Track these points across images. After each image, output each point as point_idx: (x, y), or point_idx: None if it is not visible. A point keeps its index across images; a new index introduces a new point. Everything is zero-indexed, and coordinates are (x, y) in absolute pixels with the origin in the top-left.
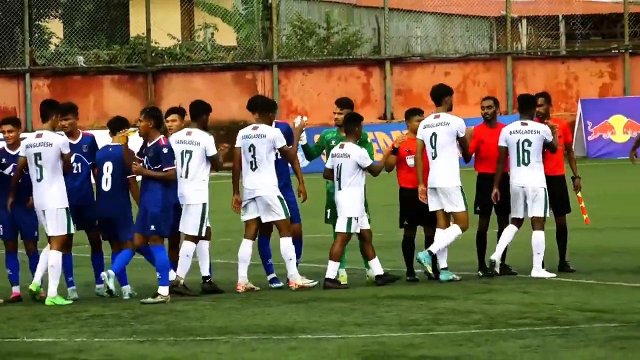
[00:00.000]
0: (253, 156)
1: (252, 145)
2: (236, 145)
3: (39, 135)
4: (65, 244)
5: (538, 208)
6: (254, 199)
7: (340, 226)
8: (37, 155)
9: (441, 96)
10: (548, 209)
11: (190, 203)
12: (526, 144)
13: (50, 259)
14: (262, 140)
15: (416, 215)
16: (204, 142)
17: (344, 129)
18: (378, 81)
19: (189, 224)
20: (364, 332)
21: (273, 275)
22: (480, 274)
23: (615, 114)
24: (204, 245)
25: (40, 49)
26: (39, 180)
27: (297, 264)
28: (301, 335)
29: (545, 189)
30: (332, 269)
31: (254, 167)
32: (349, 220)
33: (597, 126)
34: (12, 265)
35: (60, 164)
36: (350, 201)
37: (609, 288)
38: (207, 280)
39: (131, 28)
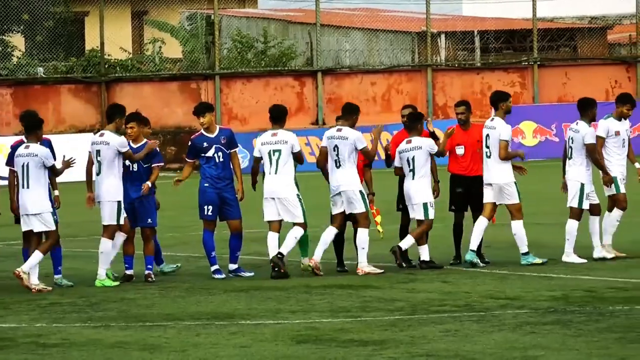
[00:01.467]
0: (337, 155)
1: (336, 146)
2: (322, 145)
3: (101, 135)
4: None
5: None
6: (339, 193)
7: (419, 214)
8: (98, 152)
9: (498, 101)
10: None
11: (285, 197)
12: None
13: (101, 246)
14: (344, 141)
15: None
16: (291, 140)
17: (408, 126)
18: (311, 90)
19: (295, 214)
20: (298, 318)
21: (216, 266)
22: (402, 265)
23: (525, 120)
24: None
25: (4, 61)
26: (97, 174)
27: (237, 256)
28: (241, 321)
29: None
30: (425, 252)
31: (338, 165)
32: (425, 205)
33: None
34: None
35: (117, 161)
36: (426, 188)
37: (519, 278)
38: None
39: (86, 42)
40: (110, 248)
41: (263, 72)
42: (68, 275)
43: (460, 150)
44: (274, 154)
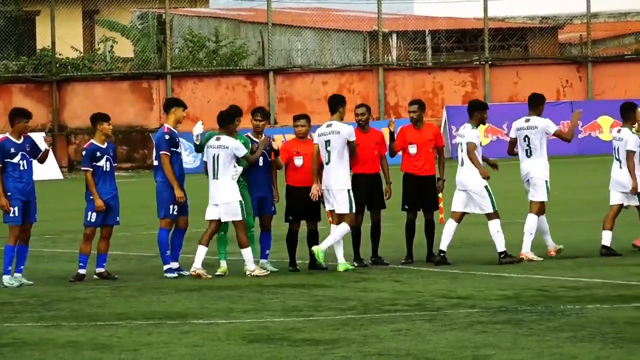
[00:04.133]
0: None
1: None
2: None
3: (329, 125)
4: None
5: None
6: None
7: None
8: (327, 142)
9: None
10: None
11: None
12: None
13: (337, 231)
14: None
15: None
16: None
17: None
18: (262, 90)
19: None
20: (250, 317)
21: (169, 266)
22: (355, 264)
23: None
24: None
25: None
26: (327, 164)
27: (178, 255)
28: (193, 320)
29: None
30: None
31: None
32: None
33: None
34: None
35: (345, 151)
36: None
37: (471, 277)
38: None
39: (37, 41)
40: (344, 233)
41: (215, 72)
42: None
43: (412, 150)
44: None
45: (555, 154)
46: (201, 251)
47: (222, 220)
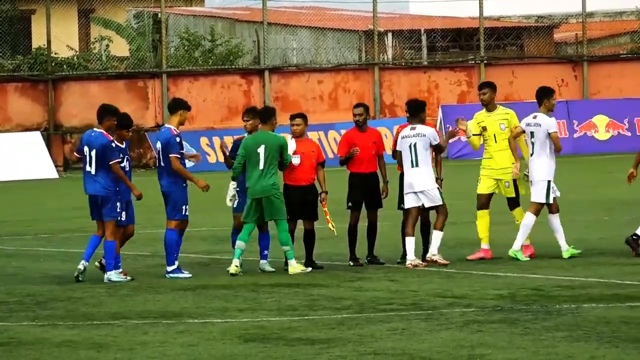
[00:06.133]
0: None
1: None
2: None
3: (412, 128)
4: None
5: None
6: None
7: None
8: (413, 145)
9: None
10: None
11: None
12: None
13: (525, 220)
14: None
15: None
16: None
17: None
18: (258, 89)
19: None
20: (246, 316)
21: (175, 267)
22: (351, 263)
23: (471, 118)
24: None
25: None
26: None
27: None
28: (188, 319)
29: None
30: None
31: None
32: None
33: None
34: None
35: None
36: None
37: (466, 276)
38: (634, 238)
39: (33, 40)
40: (532, 223)
41: (210, 71)
42: (14, 273)
43: None
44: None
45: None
46: (411, 241)
47: (426, 206)
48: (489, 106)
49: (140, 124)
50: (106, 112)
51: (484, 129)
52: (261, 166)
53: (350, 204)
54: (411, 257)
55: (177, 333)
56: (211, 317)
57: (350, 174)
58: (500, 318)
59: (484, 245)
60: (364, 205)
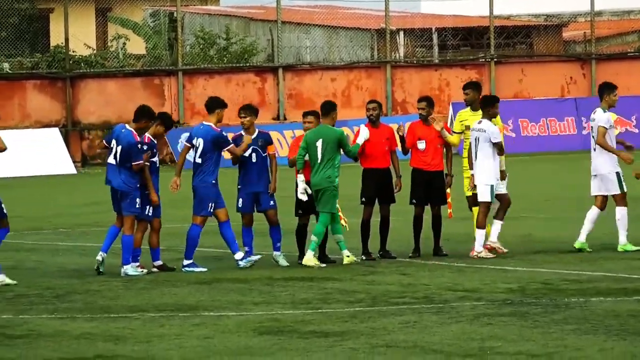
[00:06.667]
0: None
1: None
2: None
3: (479, 122)
4: None
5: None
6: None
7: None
8: (477, 139)
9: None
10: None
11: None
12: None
13: (617, 214)
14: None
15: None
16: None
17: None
18: (272, 86)
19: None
20: (261, 309)
21: (191, 261)
22: (364, 258)
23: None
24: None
25: None
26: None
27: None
28: (204, 312)
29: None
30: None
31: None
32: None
33: None
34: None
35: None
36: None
37: (477, 270)
38: None
39: (51, 38)
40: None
41: (225, 68)
42: (34, 267)
43: (421, 145)
44: (476, 141)
45: (562, 150)
46: (481, 233)
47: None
48: (473, 105)
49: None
50: (143, 113)
51: (467, 127)
52: (319, 159)
53: (363, 199)
54: (479, 249)
55: (193, 326)
56: (226, 310)
57: (363, 170)
58: (510, 311)
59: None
60: (376, 200)
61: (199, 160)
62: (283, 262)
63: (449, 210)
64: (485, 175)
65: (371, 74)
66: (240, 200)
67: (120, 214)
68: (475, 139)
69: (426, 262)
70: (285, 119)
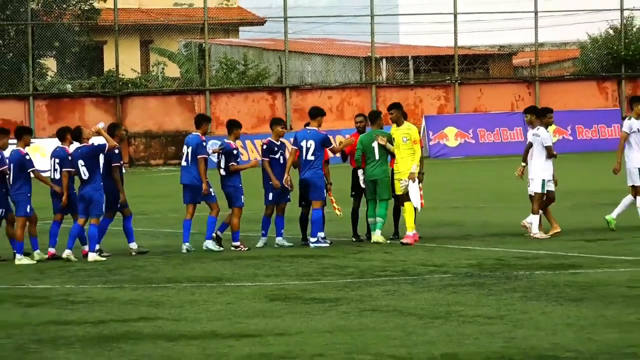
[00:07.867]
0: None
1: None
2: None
3: (537, 128)
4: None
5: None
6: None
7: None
8: (531, 143)
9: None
10: None
11: (530, 178)
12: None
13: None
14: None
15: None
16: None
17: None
18: (281, 103)
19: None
20: (271, 280)
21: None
22: (354, 239)
23: (448, 126)
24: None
25: (40, 79)
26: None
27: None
28: (227, 283)
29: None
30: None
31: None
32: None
33: (436, 135)
34: None
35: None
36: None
37: (444, 250)
38: None
39: (105, 64)
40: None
41: (243, 88)
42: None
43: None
44: (534, 144)
45: (511, 154)
46: (536, 218)
47: (529, 192)
48: (397, 122)
49: (188, 130)
50: (203, 118)
51: (393, 140)
52: (376, 157)
53: (353, 192)
54: (535, 230)
55: (217, 294)
56: (244, 281)
57: (353, 170)
58: (471, 282)
59: (411, 231)
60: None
61: (311, 158)
62: (286, 243)
63: (420, 201)
64: (539, 171)
65: (360, 92)
66: (271, 194)
67: (192, 205)
68: (532, 142)
69: (404, 243)
70: (291, 128)
